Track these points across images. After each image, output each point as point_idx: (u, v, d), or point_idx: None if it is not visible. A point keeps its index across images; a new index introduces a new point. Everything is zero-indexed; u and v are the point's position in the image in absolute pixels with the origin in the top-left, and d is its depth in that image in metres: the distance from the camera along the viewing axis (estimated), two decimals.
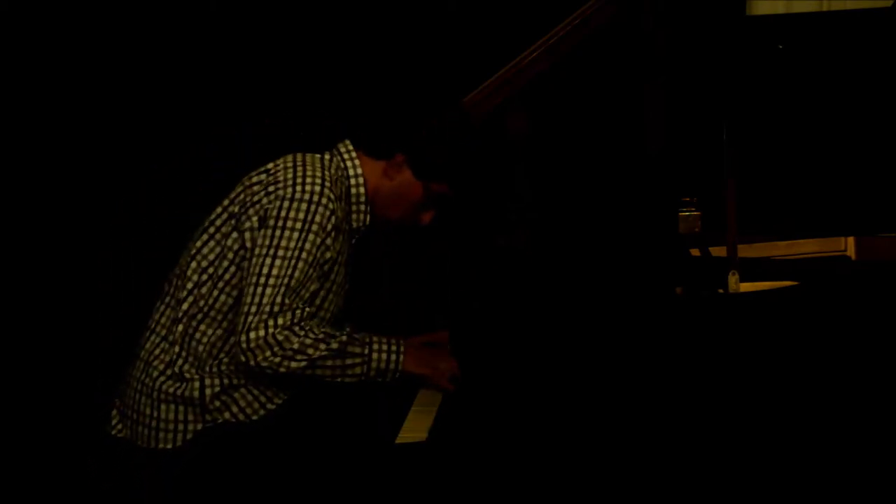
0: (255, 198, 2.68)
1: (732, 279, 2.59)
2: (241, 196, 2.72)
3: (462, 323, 2.96)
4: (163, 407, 2.68)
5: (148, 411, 2.68)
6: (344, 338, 2.65)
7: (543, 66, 3.24)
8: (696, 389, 2.42)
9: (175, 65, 3.75)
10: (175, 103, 3.72)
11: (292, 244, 2.63)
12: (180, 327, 2.70)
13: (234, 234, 2.69)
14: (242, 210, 2.69)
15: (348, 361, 2.65)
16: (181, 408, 2.67)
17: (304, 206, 2.64)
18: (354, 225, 2.79)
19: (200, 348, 2.69)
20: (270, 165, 2.73)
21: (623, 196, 3.29)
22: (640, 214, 3.14)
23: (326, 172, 2.69)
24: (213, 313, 2.70)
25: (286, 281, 2.61)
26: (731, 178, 2.58)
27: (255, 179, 2.72)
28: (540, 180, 3.55)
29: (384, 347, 2.68)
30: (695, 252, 2.82)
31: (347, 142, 2.80)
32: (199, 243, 2.74)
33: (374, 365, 2.67)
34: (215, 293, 2.70)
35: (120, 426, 2.75)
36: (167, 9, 3.74)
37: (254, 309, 2.59)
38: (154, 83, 3.73)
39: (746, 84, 2.62)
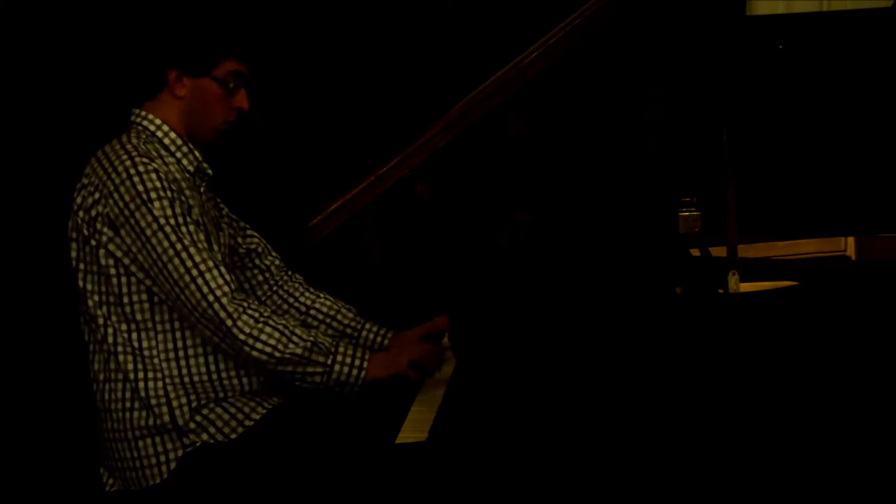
0: (93, 212, 2.66)
1: (732, 279, 2.59)
2: (80, 221, 2.69)
3: (461, 323, 2.96)
4: (140, 444, 2.66)
5: (128, 454, 2.68)
6: (309, 343, 2.63)
7: (543, 67, 3.24)
8: (696, 390, 2.42)
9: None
10: None
11: (149, 218, 2.61)
12: (121, 358, 2.68)
13: (101, 252, 2.66)
14: (90, 231, 2.67)
15: (309, 369, 2.63)
16: (157, 439, 2.66)
17: (129, 185, 2.62)
18: (192, 168, 2.76)
19: (156, 361, 2.67)
20: (84, 179, 2.71)
21: (623, 196, 3.29)
22: (640, 214, 3.14)
23: (128, 146, 2.67)
24: (140, 325, 2.68)
25: (178, 248, 2.60)
26: (731, 178, 2.57)
27: (80, 200, 2.70)
28: (540, 180, 3.54)
29: (347, 361, 2.65)
30: (695, 252, 2.82)
31: (133, 109, 2.77)
32: (80, 284, 2.71)
33: (334, 377, 2.64)
34: (127, 309, 2.67)
35: (111, 480, 2.75)
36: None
37: (182, 284, 2.59)
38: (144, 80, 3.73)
39: (746, 84, 2.61)
